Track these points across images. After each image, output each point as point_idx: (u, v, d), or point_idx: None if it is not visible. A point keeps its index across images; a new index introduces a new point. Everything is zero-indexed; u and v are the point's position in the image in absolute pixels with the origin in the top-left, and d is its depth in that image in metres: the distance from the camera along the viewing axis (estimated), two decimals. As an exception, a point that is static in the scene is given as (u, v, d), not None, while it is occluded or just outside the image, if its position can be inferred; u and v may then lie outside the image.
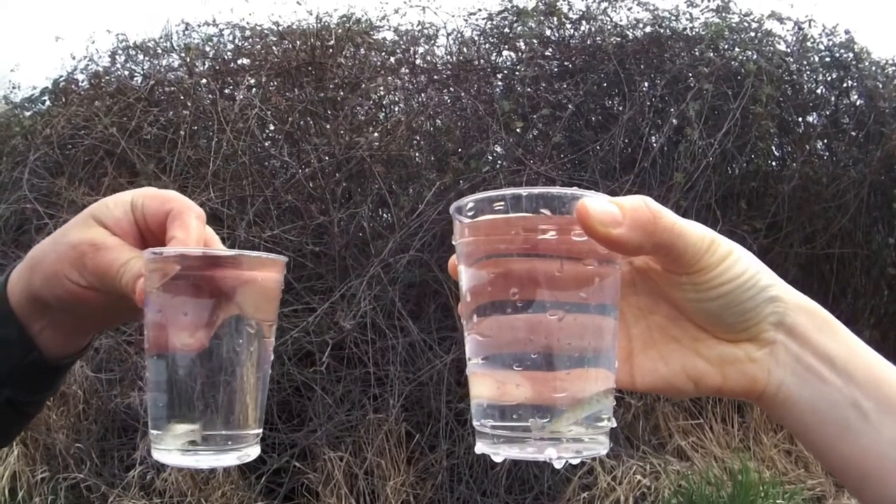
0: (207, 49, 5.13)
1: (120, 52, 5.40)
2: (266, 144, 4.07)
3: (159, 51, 5.37)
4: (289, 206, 3.77)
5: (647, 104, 4.12)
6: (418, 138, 4.04)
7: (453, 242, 0.46)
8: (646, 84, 4.33)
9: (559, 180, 3.73)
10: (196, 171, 4.13)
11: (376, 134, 3.97)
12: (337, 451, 3.35)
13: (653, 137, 4.16)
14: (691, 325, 0.44)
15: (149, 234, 0.57)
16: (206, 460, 0.50)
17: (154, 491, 3.38)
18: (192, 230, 0.53)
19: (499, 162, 3.94)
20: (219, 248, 0.56)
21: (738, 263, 0.44)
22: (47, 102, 5.66)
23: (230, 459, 0.51)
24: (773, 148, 4.49)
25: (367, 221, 3.69)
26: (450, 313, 3.61)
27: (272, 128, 4.39)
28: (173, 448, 0.50)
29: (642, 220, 0.42)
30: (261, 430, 0.53)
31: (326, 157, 3.84)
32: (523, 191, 0.43)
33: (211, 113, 4.25)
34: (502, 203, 0.42)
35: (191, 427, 0.49)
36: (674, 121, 4.09)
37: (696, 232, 0.43)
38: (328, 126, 4.08)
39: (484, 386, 0.41)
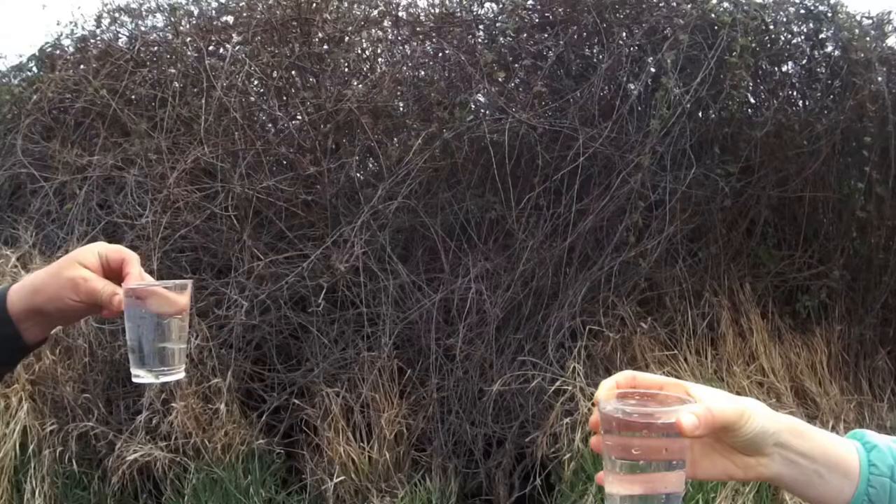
0: (192, 8, 5.16)
1: (105, 15, 5.41)
2: (254, 99, 4.15)
3: (143, 12, 5.39)
4: (280, 158, 3.87)
5: (626, 54, 4.22)
6: (403, 89, 4.13)
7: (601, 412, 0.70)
8: (624, 34, 4.42)
9: (540, 127, 3.84)
10: (187, 128, 4.21)
11: (361, 87, 4.05)
12: (333, 387, 3.53)
13: (631, 86, 4.28)
14: (727, 448, 0.73)
15: (109, 270, 0.93)
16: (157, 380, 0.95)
17: (160, 434, 3.55)
18: (136, 269, 0.94)
19: (482, 111, 4.04)
20: (146, 281, 0.95)
21: (755, 422, 0.70)
22: (34, 69, 5.68)
23: (168, 379, 0.96)
24: (749, 96, 4.63)
25: (355, 171, 3.80)
26: (436, 256, 3.76)
27: (256, 83, 4.46)
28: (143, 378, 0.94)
29: (708, 423, 0.66)
30: (183, 366, 0.98)
31: (315, 110, 3.93)
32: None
33: (199, 71, 4.31)
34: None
35: (147, 367, 0.94)
36: (652, 69, 4.20)
37: (733, 412, 0.69)
38: (315, 80, 4.16)
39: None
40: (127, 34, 5.37)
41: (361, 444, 3.55)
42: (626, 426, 0.66)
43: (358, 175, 3.83)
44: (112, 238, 4.09)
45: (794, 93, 4.81)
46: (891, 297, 4.79)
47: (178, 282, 0.95)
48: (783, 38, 4.73)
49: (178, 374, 0.96)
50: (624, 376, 0.73)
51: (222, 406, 3.49)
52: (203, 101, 3.99)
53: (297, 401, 3.58)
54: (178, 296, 0.93)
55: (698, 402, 0.68)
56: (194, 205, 3.77)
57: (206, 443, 3.47)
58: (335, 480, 3.47)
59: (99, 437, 3.57)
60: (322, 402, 3.54)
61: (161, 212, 3.65)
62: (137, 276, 0.93)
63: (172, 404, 3.46)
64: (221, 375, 3.51)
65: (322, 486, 3.49)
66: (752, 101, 4.77)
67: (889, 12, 4.63)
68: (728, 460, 0.72)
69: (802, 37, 4.78)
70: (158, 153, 3.98)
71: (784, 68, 4.81)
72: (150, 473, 3.53)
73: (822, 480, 0.71)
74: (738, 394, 3.21)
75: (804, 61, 4.65)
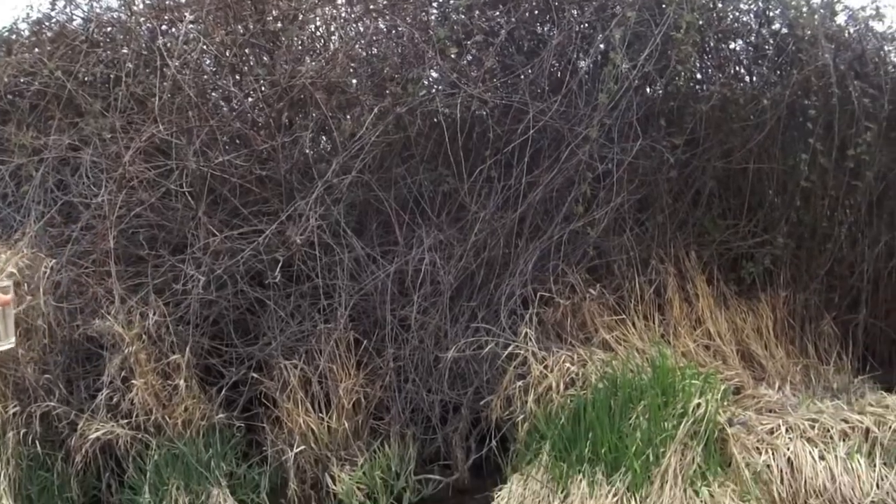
0: (145, -14, 5.06)
1: (58, -5, 5.28)
2: (207, 77, 4.11)
3: (98, -9, 5.27)
4: (234, 135, 3.85)
5: (576, 31, 4.25)
6: (356, 66, 4.12)
7: None
8: (574, 12, 4.45)
9: (491, 101, 3.87)
10: (141, 107, 4.15)
11: (314, 63, 4.03)
12: (291, 360, 3.55)
13: (580, 62, 4.32)
14: None
15: None
16: None
17: (121, 412, 3.54)
18: None
19: (434, 87, 4.04)
20: None
21: None
22: (-9, 54, 5.55)
23: None
24: (694, 71, 4.70)
25: (309, 147, 3.79)
26: (391, 229, 3.79)
27: (210, 61, 4.41)
28: None
29: None
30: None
31: (269, 87, 3.91)
32: None
33: (153, 50, 4.25)
34: None
35: None
36: (601, 45, 4.24)
37: None
38: (270, 57, 4.13)
39: None
40: (82, 16, 5.27)
41: (320, 414, 3.59)
42: None
43: (311, 151, 3.82)
44: (68, 218, 4.06)
45: (741, 68, 4.90)
46: (835, 264, 4.94)
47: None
48: (731, 16, 4.81)
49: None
50: None
51: (181, 382, 3.49)
52: (157, 80, 3.94)
53: (255, 374, 3.60)
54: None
55: None
56: (149, 183, 3.74)
57: (167, 419, 3.48)
58: (295, 451, 3.51)
59: (61, 416, 3.56)
60: (280, 374, 3.57)
61: (116, 191, 3.62)
62: None
63: (132, 381, 3.46)
64: (180, 351, 3.51)
65: (282, 456, 3.53)
66: (699, 76, 4.86)
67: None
68: None
69: (751, 14, 4.86)
70: (113, 132, 3.93)
71: (732, 45, 4.90)
72: (113, 452, 3.54)
73: None
74: (684, 355, 3.33)
75: (752, 38, 4.74)
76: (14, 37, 5.46)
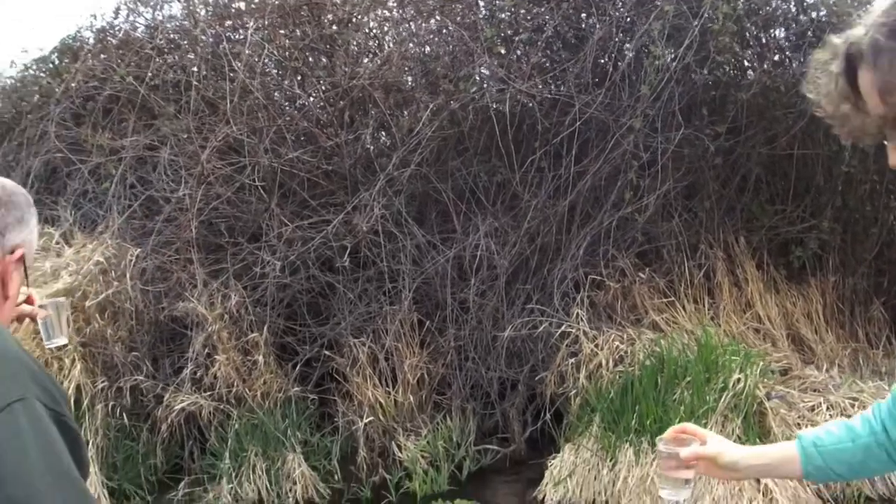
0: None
1: (123, 6, 5.96)
2: (273, 80, 4.70)
3: (160, 1, 5.93)
4: (300, 133, 4.43)
5: (616, 25, 4.73)
6: (410, 65, 4.66)
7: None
8: (618, 4, 4.92)
9: (538, 95, 4.38)
10: (211, 109, 4.76)
11: (371, 64, 4.59)
12: (359, 339, 4.09)
13: (622, 55, 4.79)
14: (716, 468, 1.21)
15: None
16: None
17: (204, 386, 4.13)
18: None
19: (485, 83, 4.57)
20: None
21: (726, 457, 1.18)
22: (56, 61, 6.25)
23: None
24: (735, 60, 5.11)
25: (370, 142, 4.34)
26: (448, 217, 4.31)
27: (273, 65, 5.00)
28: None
29: (697, 455, 1.19)
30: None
31: (330, 88, 4.48)
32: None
33: (218, 55, 4.86)
34: None
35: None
36: (642, 39, 4.71)
37: (712, 452, 1.19)
38: (328, 60, 4.70)
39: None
40: (144, 23, 5.94)
41: (387, 388, 4.12)
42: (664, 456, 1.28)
43: (372, 147, 4.37)
44: (148, 211, 4.68)
45: (783, 56, 5.30)
46: (884, 248, 5.29)
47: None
48: (772, 4, 5.22)
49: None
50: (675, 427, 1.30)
51: (260, 358, 4.06)
52: (227, 84, 4.55)
53: (327, 352, 4.15)
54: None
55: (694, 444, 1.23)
56: (225, 178, 4.33)
57: (247, 391, 4.05)
58: (364, 421, 4.04)
59: (147, 391, 4.15)
60: (350, 352, 4.11)
61: (196, 186, 4.22)
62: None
63: (215, 357, 4.04)
64: (258, 330, 4.08)
65: (352, 427, 4.07)
66: (741, 65, 5.28)
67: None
68: (719, 473, 1.25)
69: (791, 2, 5.26)
70: (188, 133, 4.55)
71: (774, 32, 5.31)
72: (196, 422, 4.12)
73: (776, 471, 1.35)
74: (734, 338, 3.78)
75: (793, 25, 5.15)
76: (79, 44, 6.19)
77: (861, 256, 5.23)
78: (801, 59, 5.06)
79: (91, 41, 6.03)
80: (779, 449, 1.26)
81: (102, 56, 5.57)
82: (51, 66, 6.27)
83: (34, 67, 6.40)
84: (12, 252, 1.10)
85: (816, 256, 5.11)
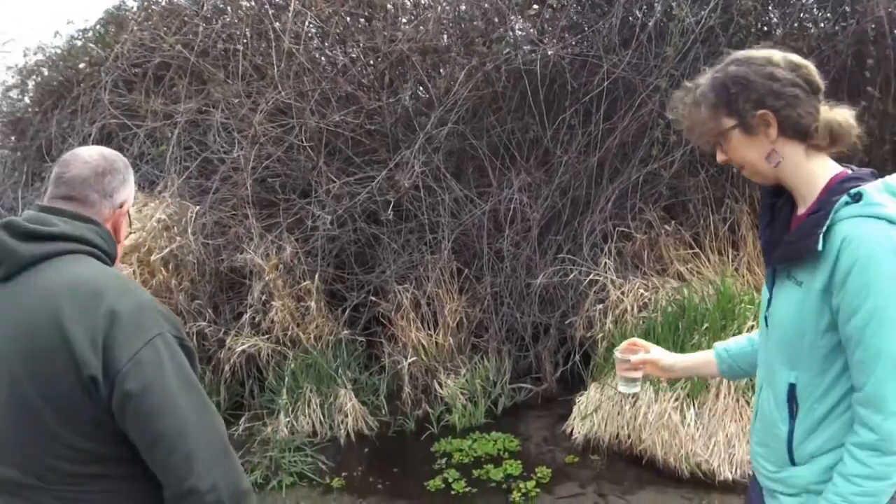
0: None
1: (167, -27, 6.41)
2: (316, 45, 5.16)
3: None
4: (343, 95, 4.89)
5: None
6: (446, 27, 5.08)
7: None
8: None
9: (568, 57, 4.78)
10: (258, 73, 5.24)
11: (409, 28, 5.02)
12: (403, 285, 4.60)
13: (650, 16, 5.16)
14: (658, 369, 1.76)
15: None
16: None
17: (262, 330, 4.68)
18: None
19: (517, 44, 4.98)
20: None
21: (664, 362, 1.74)
22: (102, 31, 6.76)
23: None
24: (758, 21, 5.43)
25: (409, 102, 4.80)
26: (485, 172, 4.75)
27: (315, 30, 5.44)
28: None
29: (644, 361, 1.76)
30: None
31: (371, 51, 4.92)
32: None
33: (262, 21, 5.33)
34: None
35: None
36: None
37: (654, 357, 1.75)
38: (368, 23, 5.14)
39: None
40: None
41: (429, 331, 4.63)
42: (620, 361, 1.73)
43: (411, 106, 4.81)
44: (202, 171, 5.20)
45: (806, 17, 5.61)
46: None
47: None
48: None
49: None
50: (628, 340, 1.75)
51: (312, 304, 4.59)
52: (273, 51, 5.02)
53: (373, 298, 4.66)
54: None
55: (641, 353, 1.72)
56: (275, 139, 4.83)
57: (301, 334, 4.58)
58: (408, 361, 4.56)
59: (210, 335, 4.71)
60: (394, 298, 4.61)
61: (249, 147, 4.72)
62: None
63: (272, 303, 4.58)
64: (310, 279, 4.60)
65: (398, 366, 4.60)
66: (772, 20, 5.59)
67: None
68: (660, 372, 1.73)
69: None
70: (238, 97, 5.04)
71: None
72: (255, 363, 4.67)
73: (700, 371, 1.79)
74: (757, 289, 4.23)
75: None
76: (124, 13, 6.69)
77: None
78: (826, 20, 5.40)
79: (135, 10, 6.55)
80: (701, 355, 1.79)
81: (148, 23, 6.07)
82: (98, 35, 6.79)
83: (81, 38, 6.93)
84: (121, 206, 1.50)
85: None
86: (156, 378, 1.28)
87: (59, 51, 7.20)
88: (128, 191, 1.53)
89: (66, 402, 1.27)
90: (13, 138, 7.68)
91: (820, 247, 1.24)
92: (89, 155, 1.50)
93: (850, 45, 5.02)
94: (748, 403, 4.04)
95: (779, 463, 1.41)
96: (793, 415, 1.36)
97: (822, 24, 5.24)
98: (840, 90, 5.33)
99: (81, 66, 6.50)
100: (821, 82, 1.35)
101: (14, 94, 7.81)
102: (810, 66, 1.35)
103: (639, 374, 1.73)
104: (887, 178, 1.32)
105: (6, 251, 1.34)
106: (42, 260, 1.34)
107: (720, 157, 1.40)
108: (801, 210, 1.37)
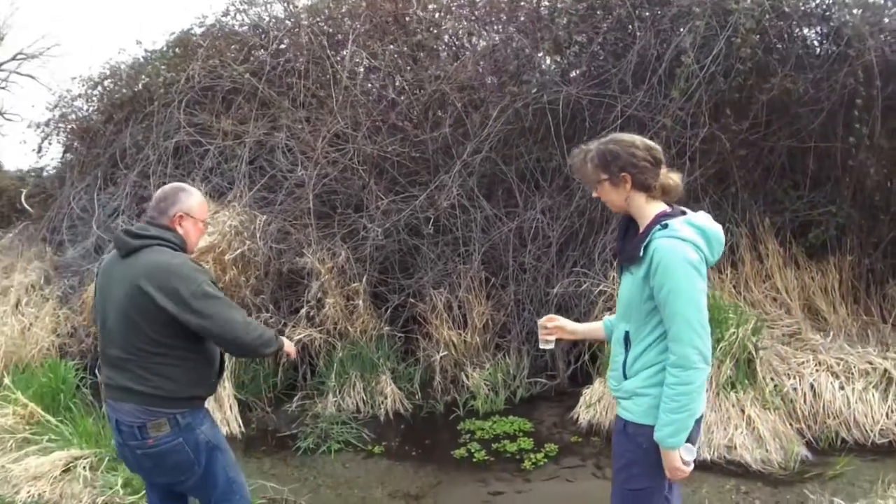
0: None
1: (232, 7, 7.84)
2: (371, 85, 6.52)
3: (263, 2, 7.79)
4: (392, 125, 6.23)
5: (655, 35, 6.34)
6: (482, 68, 6.41)
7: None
8: (658, 13, 6.51)
9: (586, 98, 6.06)
10: (319, 102, 6.61)
11: (449, 68, 6.35)
12: (438, 290, 5.90)
13: (659, 63, 6.39)
14: (566, 333, 2.77)
15: None
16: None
17: (316, 322, 5.99)
18: None
19: (544, 85, 6.26)
20: None
21: (568, 329, 2.76)
22: (171, 53, 8.19)
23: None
24: (757, 67, 6.50)
25: (449, 133, 6.11)
26: (512, 195, 6.03)
27: (364, 68, 6.80)
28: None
29: (557, 327, 2.76)
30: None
31: (417, 85, 6.26)
32: None
33: (322, 57, 6.70)
34: None
35: None
36: (675, 47, 6.30)
37: (562, 325, 2.75)
38: (414, 63, 6.48)
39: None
40: (249, 21, 7.82)
41: (459, 330, 5.88)
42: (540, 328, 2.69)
43: (450, 137, 6.11)
44: (267, 185, 6.56)
45: (804, 59, 6.71)
46: (899, 233, 6.63)
47: None
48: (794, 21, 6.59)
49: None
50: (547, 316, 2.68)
51: (360, 302, 5.89)
52: (332, 84, 6.38)
53: (412, 300, 5.96)
54: None
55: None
56: (331, 160, 6.18)
57: (349, 328, 5.89)
58: (440, 355, 5.83)
59: (270, 325, 6.05)
60: (430, 300, 5.87)
61: (312, 167, 6.07)
62: None
63: (326, 300, 5.90)
64: (359, 281, 5.92)
65: (431, 359, 5.86)
66: (772, 64, 6.77)
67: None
68: (568, 336, 2.69)
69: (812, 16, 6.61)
70: (300, 123, 6.41)
71: (801, 31, 6.71)
72: (308, 351, 5.97)
73: (593, 335, 2.80)
74: (753, 305, 5.51)
75: (816, 29, 6.57)
76: (193, 38, 8.08)
77: (879, 238, 6.62)
78: (820, 65, 6.54)
79: (198, 34, 7.94)
80: (596, 324, 2.77)
81: (214, 49, 7.47)
82: (164, 56, 8.22)
83: (150, 58, 8.38)
84: (176, 216, 2.66)
85: (836, 237, 6.39)
86: (206, 298, 2.51)
87: (124, 66, 8.67)
88: (178, 206, 2.68)
89: (149, 317, 2.48)
90: (76, 144, 9.17)
91: (641, 253, 2.22)
92: (156, 193, 2.77)
93: (841, 87, 6.15)
94: (726, 398, 5.20)
95: (618, 379, 2.40)
96: (626, 349, 2.36)
97: (814, 72, 6.39)
98: (836, 124, 6.44)
99: (150, 84, 7.87)
100: (662, 158, 2.33)
101: (80, 103, 9.34)
102: (657, 147, 2.34)
103: (552, 337, 2.71)
104: (689, 214, 2.30)
105: (123, 242, 2.59)
106: (141, 248, 2.59)
107: (595, 195, 2.39)
108: (640, 232, 2.32)
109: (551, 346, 2.75)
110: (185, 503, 2.96)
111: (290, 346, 2.91)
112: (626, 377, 2.37)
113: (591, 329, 2.84)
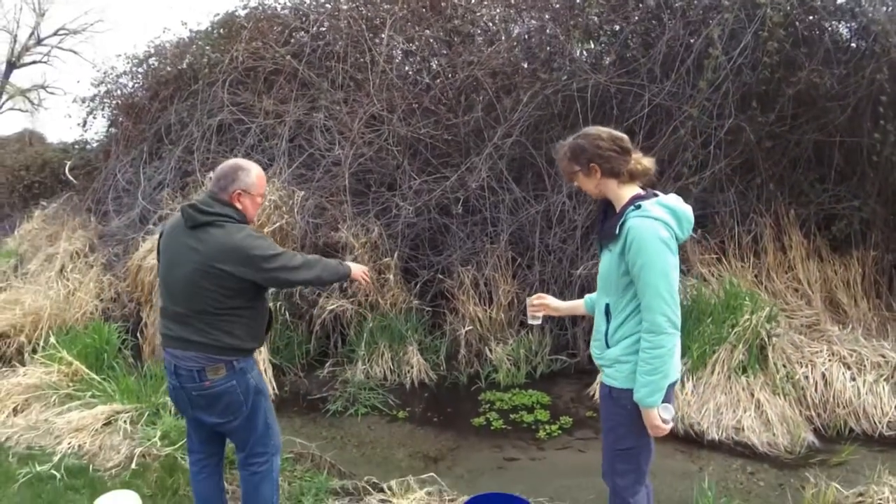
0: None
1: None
2: (408, 69, 6.97)
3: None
4: (426, 108, 6.69)
5: (684, 26, 6.67)
6: (515, 55, 6.83)
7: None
8: (690, 6, 6.86)
9: (614, 86, 6.45)
10: (356, 84, 7.09)
11: (481, 54, 6.78)
12: (466, 267, 6.35)
13: (689, 52, 6.74)
14: (551, 310, 3.12)
15: None
16: None
17: (348, 294, 6.49)
18: None
19: (574, 73, 6.66)
20: None
21: (553, 305, 3.13)
22: (216, 34, 8.73)
23: None
24: (783, 60, 6.77)
25: (481, 117, 6.55)
26: (541, 179, 6.46)
27: (400, 50, 7.26)
28: None
29: (543, 304, 3.13)
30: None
31: (451, 70, 6.70)
32: None
33: (360, 42, 7.18)
34: None
35: None
36: (713, 36, 6.65)
37: (549, 302, 3.11)
38: (449, 49, 6.92)
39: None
40: (290, 3, 8.32)
41: (485, 307, 6.33)
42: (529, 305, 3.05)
43: (482, 120, 6.55)
44: (305, 162, 7.07)
45: (830, 54, 6.97)
46: (925, 230, 6.85)
47: None
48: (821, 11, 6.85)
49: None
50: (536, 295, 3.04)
51: (391, 276, 6.37)
52: (369, 67, 6.86)
53: (440, 276, 6.43)
54: None
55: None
56: (367, 141, 6.66)
57: (380, 300, 6.39)
58: (465, 329, 6.29)
59: (304, 296, 6.56)
60: (458, 277, 6.33)
61: (349, 147, 6.56)
62: None
63: (358, 274, 6.38)
64: (390, 256, 6.40)
65: (456, 332, 6.32)
66: (799, 58, 7.05)
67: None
68: (553, 312, 3.03)
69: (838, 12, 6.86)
70: (338, 104, 6.90)
71: (829, 26, 6.96)
72: (340, 321, 6.46)
73: (575, 311, 3.12)
74: (774, 295, 5.93)
75: (842, 25, 6.81)
76: (237, 20, 8.62)
77: (900, 234, 6.91)
78: (847, 60, 6.79)
79: (242, 16, 8.47)
80: (577, 301, 3.06)
81: (257, 31, 7.99)
82: (209, 36, 8.77)
83: (195, 37, 8.94)
84: (235, 192, 2.94)
85: (861, 232, 6.63)
86: (275, 258, 2.89)
87: (169, 46, 9.24)
88: (237, 184, 2.99)
89: (224, 285, 2.86)
90: (121, 119, 9.77)
91: (617, 231, 2.51)
92: (217, 168, 3.09)
93: (868, 83, 6.43)
94: (737, 381, 5.50)
95: (601, 348, 2.68)
96: (608, 320, 2.61)
97: (841, 67, 6.66)
98: (863, 120, 6.70)
99: (195, 63, 8.43)
100: (630, 146, 2.62)
101: (125, 79, 9.95)
102: (624, 137, 2.64)
103: (540, 313, 3.02)
104: (661, 196, 2.59)
105: (190, 216, 2.92)
106: (207, 224, 2.93)
107: (575, 185, 2.71)
108: (616, 213, 2.61)
109: (538, 321, 3.08)
110: (222, 448, 3.32)
111: (357, 272, 3.28)
112: (608, 346, 2.65)
113: (573, 306, 3.18)
